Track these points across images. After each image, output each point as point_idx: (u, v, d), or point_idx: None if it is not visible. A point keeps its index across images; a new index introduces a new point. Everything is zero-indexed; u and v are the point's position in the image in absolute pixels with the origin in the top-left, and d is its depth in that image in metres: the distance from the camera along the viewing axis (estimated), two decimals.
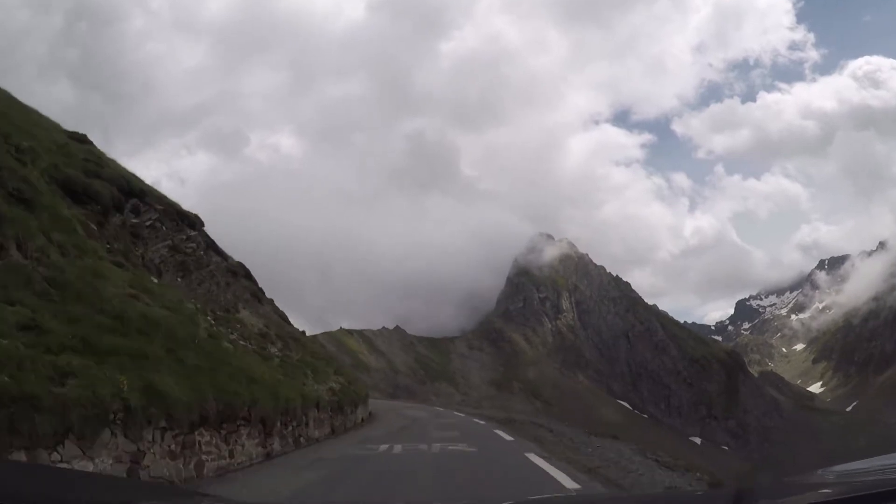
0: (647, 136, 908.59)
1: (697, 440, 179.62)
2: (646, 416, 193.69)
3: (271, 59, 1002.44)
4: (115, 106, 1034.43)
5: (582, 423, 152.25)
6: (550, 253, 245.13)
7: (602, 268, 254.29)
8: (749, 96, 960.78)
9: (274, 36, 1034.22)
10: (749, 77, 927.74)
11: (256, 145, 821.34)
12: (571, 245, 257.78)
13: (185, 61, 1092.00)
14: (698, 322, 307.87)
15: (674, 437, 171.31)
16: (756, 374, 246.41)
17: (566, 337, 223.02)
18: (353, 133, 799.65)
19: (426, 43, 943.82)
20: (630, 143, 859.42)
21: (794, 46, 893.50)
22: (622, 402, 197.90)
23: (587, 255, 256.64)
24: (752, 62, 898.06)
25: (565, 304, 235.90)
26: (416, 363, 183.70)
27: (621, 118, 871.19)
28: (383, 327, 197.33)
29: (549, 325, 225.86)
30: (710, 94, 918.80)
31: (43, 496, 2.19)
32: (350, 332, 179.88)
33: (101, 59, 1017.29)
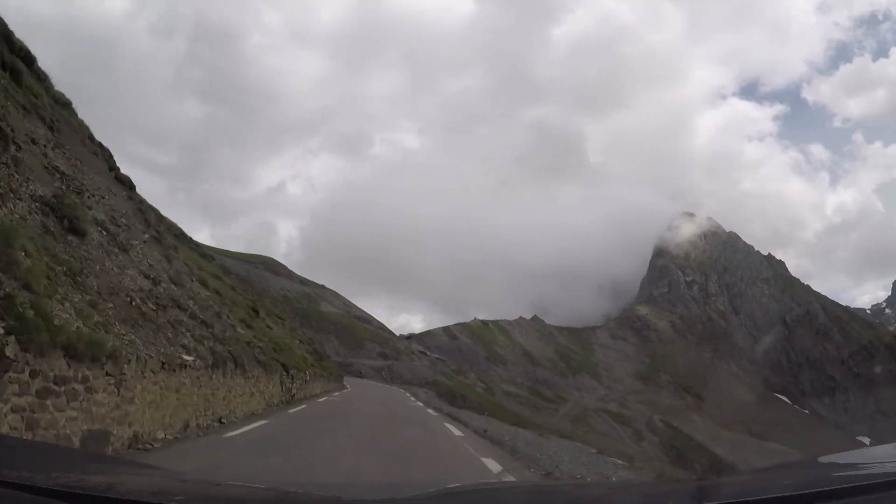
0: (778, 108, 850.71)
1: (866, 440, 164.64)
2: (807, 411, 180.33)
3: (388, 61, 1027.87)
4: (242, 118, 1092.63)
5: (734, 423, 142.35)
6: (693, 231, 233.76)
7: (751, 246, 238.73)
8: (881, 52, 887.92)
9: (388, 38, 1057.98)
10: (878, 32, 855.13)
11: (381, 144, 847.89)
12: (715, 223, 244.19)
13: (304, 71, 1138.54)
14: (851, 306, 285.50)
15: (839, 438, 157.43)
16: None
17: (717, 323, 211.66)
18: (475, 125, 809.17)
19: (538, 29, 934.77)
20: (760, 115, 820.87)
21: None
22: (781, 397, 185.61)
23: (734, 232, 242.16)
24: (880, 16, 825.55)
25: (713, 287, 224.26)
26: (555, 355, 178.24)
27: (749, 90, 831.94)
28: (520, 317, 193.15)
29: (698, 311, 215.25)
30: (838, 55, 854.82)
31: None
32: (485, 322, 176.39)
33: (224, 76, 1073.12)
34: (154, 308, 13.50)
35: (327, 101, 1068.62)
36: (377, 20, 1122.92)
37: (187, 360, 12.50)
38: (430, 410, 32.78)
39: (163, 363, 11.28)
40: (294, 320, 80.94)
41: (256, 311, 34.54)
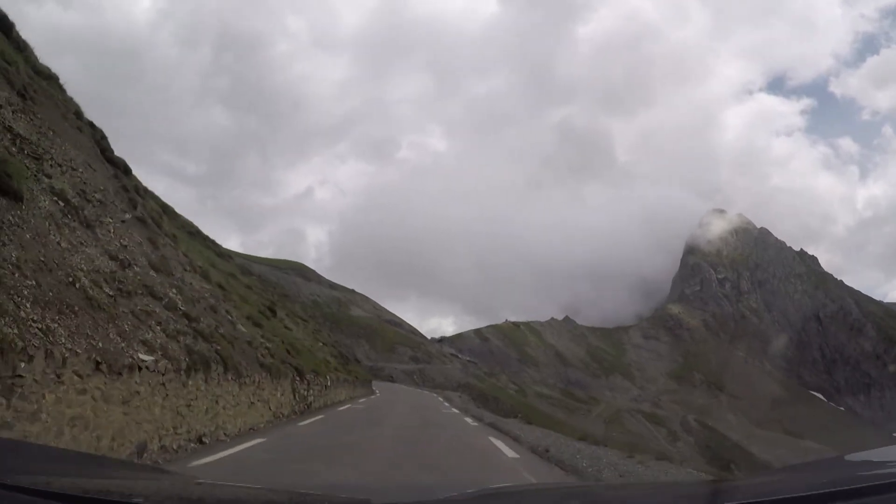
0: (805, 102, 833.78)
1: None
2: (842, 408, 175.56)
3: (413, 64, 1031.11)
4: (269, 125, 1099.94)
5: (769, 422, 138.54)
6: (723, 228, 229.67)
7: (783, 242, 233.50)
8: None
9: (412, 41, 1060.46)
10: None
11: (408, 147, 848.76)
12: (746, 219, 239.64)
13: (330, 76, 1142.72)
14: (885, 300, 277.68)
15: (875, 435, 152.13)
16: None
17: (749, 321, 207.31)
18: (501, 127, 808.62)
19: (563, 29, 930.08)
20: (788, 110, 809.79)
21: None
22: (815, 394, 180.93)
23: (765, 228, 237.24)
24: None
25: (745, 284, 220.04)
26: (587, 355, 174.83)
27: (776, 85, 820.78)
28: (552, 318, 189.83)
29: (730, 309, 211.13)
30: (865, 47, 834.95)
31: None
32: (517, 324, 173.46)
33: (250, 84, 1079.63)
34: (111, 293, 10.42)
35: (353, 105, 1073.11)
36: (401, 23, 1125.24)
37: (145, 361, 9.35)
38: (467, 419, 27.99)
39: (98, 363, 8.10)
40: (324, 325, 79.17)
41: (273, 311, 31.66)
